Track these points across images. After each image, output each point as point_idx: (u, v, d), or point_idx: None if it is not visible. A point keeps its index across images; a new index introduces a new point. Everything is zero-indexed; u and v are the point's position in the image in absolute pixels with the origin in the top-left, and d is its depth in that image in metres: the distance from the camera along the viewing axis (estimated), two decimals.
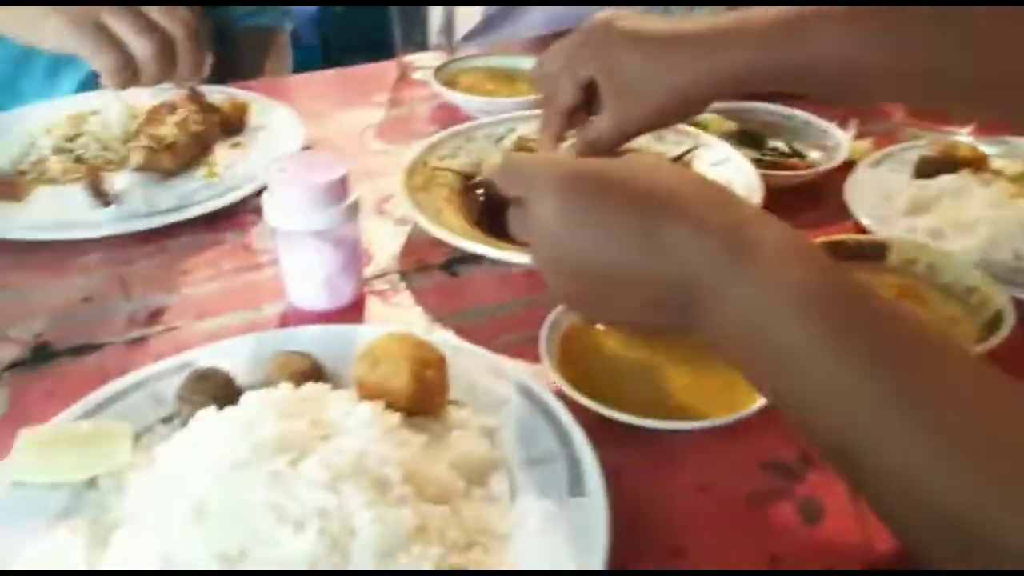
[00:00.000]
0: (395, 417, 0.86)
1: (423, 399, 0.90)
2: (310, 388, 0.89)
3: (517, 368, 0.98)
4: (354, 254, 1.13)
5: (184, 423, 0.91)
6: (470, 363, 0.98)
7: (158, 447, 0.85)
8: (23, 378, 1.05)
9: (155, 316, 1.15)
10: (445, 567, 0.74)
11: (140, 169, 1.38)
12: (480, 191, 1.33)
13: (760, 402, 0.90)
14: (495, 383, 0.96)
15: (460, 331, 1.10)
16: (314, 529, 0.72)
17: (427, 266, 1.24)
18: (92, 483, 0.86)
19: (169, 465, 0.82)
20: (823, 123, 1.45)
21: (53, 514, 0.83)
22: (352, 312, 1.14)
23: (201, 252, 1.28)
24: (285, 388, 0.87)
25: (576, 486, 0.83)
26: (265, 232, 1.30)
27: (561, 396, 0.93)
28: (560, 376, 0.94)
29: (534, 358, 1.00)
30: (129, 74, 1.17)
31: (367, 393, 0.89)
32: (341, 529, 0.73)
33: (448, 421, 0.91)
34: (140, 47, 1.14)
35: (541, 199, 0.74)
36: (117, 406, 0.95)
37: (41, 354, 1.09)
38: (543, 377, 0.96)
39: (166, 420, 0.94)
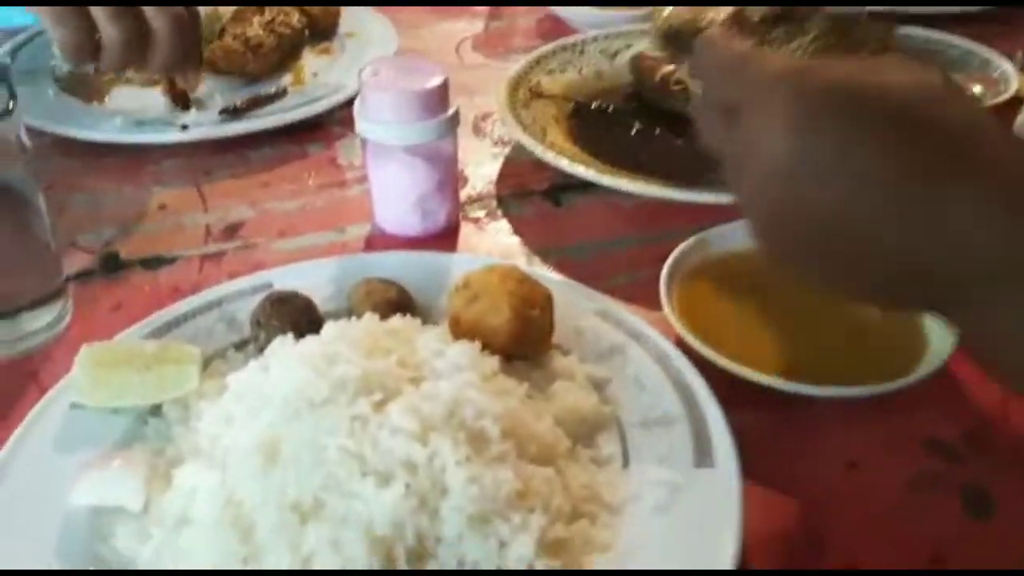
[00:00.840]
0: (493, 361, 0.74)
1: (525, 342, 0.79)
2: (398, 321, 0.78)
3: (629, 313, 0.85)
4: (450, 174, 1.01)
5: (259, 351, 0.81)
6: (576, 304, 0.86)
7: (230, 376, 0.76)
8: (90, 289, 0.97)
9: (232, 231, 1.06)
10: (549, 540, 0.63)
11: (222, 72, 1.28)
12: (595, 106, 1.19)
13: (923, 370, 0.75)
14: (605, 328, 0.84)
15: (563, 267, 0.98)
16: (400, 484, 0.62)
17: (528, 192, 1.11)
18: (156, 410, 0.78)
19: (240, 397, 0.72)
20: (988, 52, 1.26)
21: (112, 442, 0.74)
22: (444, 240, 1.03)
23: (284, 165, 1.18)
24: (370, 320, 0.77)
25: (702, 455, 0.71)
26: (353, 146, 1.19)
27: (683, 348, 0.80)
28: (683, 326, 0.81)
29: (648, 303, 0.87)
30: (87, 54, 1.06)
31: (462, 331, 0.78)
32: (431, 487, 0.63)
33: (551, 369, 0.80)
34: (111, 30, 1.03)
35: (770, 116, 0.52)
36: (187, 326, 0.86)
37: (110, 264, 1.01)
38: (660, 325, 0.83)
39: (239, 346, 0.85)
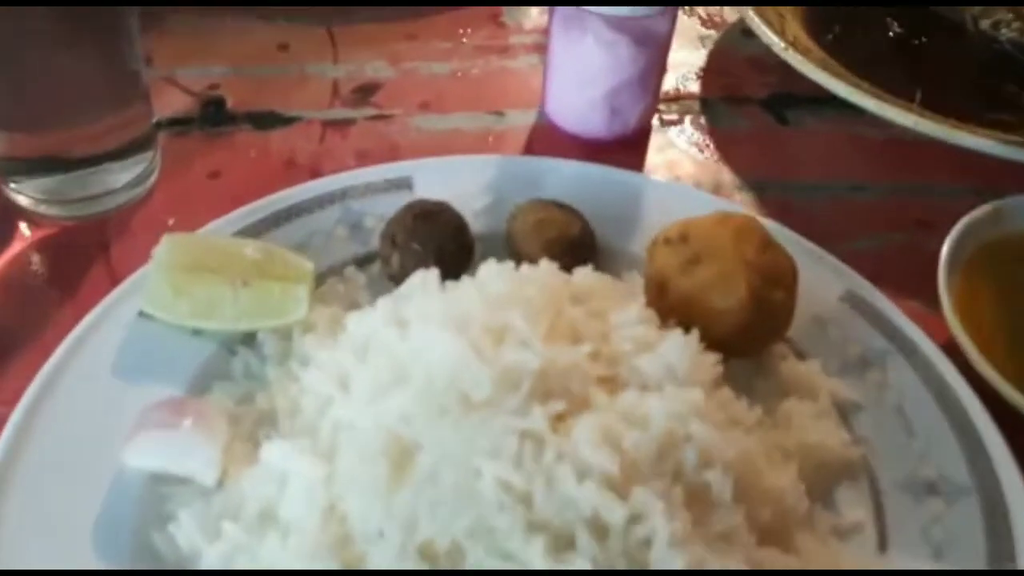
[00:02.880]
0: (716, 364, 0.52)
1: (758, 336, 0.56)
2: (587, 278, 0.56)
3: (889, 303, 0.62)
4: (658, 63, 0.76)
5: (390, 277, 0.61)
6: (815, 280, 0.62)
7: (351, 316, 0.56)
8: (185, 144, 0.77)
9: (365, 93, 0.83)
10: None
11: None
12: None
13: None
14: (856, 324, 0.61)
15: (785, 212, 0.73)
16: (584, 557, 0.42)
17: (742, 99, 0.86)
18: (248, 339, 0.59)
19: (364, 354, 0.52)
20: None
21: (187, 377, 0.56)
22: (629, 148, 0.79)
23: (437, 13, 0.93)
24: (549, 271, 0.55)
25: (999, 542, 0.49)
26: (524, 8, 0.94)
27: (960, 365, 0.57)
28: (974, 347, 0.57)
29: (906, 285, 0.64)
30: None
31: (668, 303, 0.56)
32: (626, 566, 0.42)
33: (780, 376, 0.58)
34: None
35: None
36: (300, 223, 0.66)
37: (213, 114, 0.80)
38: (925, 323, 0.60)
39: (362, 262, 0.64)
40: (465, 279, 0.55)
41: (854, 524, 0.51)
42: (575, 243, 0.61)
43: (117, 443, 0.51)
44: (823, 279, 0.63)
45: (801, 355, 0.59)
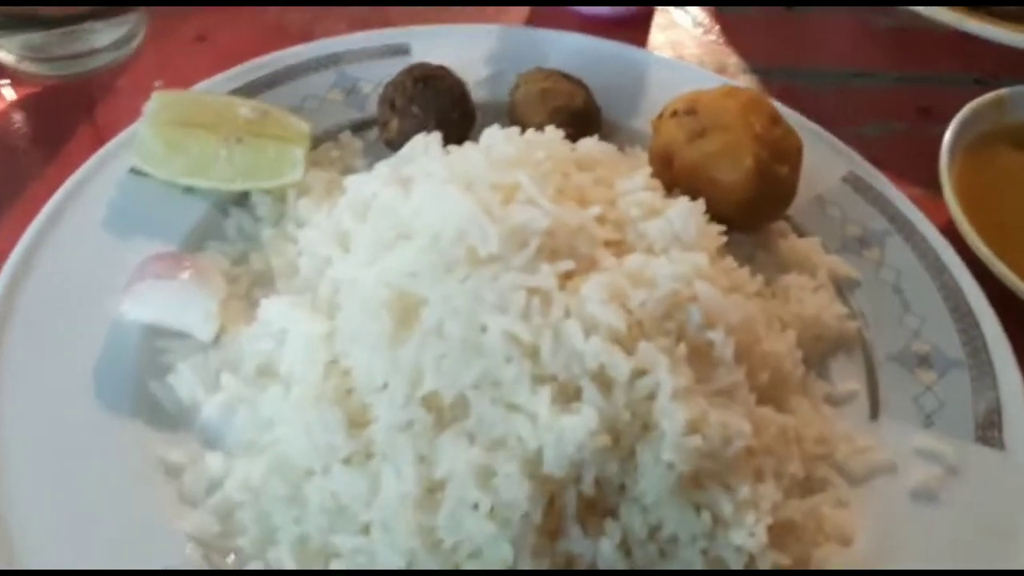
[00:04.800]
0: (719, 234, 0.52)
1: (762, 209, 0.56)
2: (592, 146, 0.55)
3: (888, 186, 0.62)
4: None
5: (387, 143, 0.59)
6: (817, 160, 0.61)
7: (350, 178, 0.54)
8: (167, 8, 0.73)
9: None
10: (778, 523, 0.44)
11: None
12: None
13: None
14: (855, 203, 0.61)
15: (791, 96, 0.72)
16: (590, 409, 0.42)
17: None
18: (242, 199, 0.57)
19: (363, 214, 0.51)
20: None
21: (181, 233, 0.55)
22: (631, 28, 0.76)
23: None
24: (555, 138, 0.54)
25: (988, 426, 0.50)
26: None
27: (959, 246, 0.58)
28: (972, 228, 0.58)
29: (908, 170, 0.65)
30: None
31: (674, 175, 0.55)
32: (631, 419, 0.43)
33: (780, 251, 0.58)
34: None
35: None
36: (293, 86, 0.64)
37: None
38: (925, 206, 0.60)
39: (358, 128, 0.63)
40: (468, 144, 0.54)
41: (848, 393, 0.52)
42: (580, 113, 0.60)
43: (112, 295, 0.50)
44: (826, 160, 0.63)
45: (801, 232, 0.59)
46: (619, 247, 0.48)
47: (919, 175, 0.64)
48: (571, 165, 0.51)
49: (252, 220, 0.57)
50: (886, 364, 0.53)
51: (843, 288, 0.56)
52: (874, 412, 0.51)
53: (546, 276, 0.44)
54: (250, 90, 0.62)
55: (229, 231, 0.56)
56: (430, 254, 0.45)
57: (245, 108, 0.58)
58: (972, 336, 0.54)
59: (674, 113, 0.57)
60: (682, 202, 0.51)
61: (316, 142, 0.61)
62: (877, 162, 0.64)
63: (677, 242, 0.49)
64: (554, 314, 0.44)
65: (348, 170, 0.60)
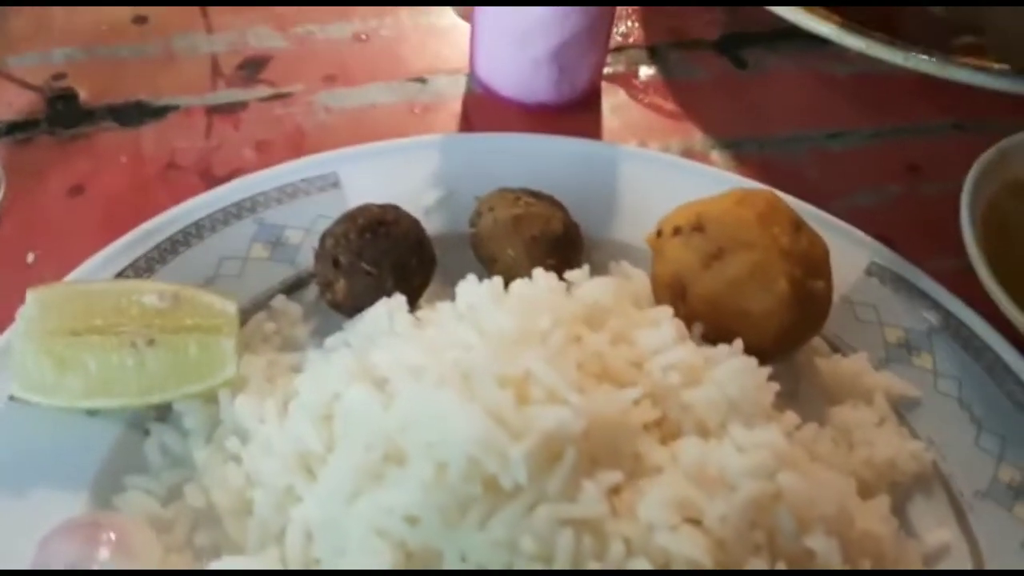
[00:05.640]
0: (772, 382, 0.42)
1: (801, 334, 0.47)
2: (592, 290, 0.45)
3: (917, 273, 0.54)
4: (608, 10, 0.65)
5: (336, 305, 0.48)
6: (832, 253, 0.53)
7: (301, 377, 0.43)
8: (33, 152, 0.61)
9: (254, 68, 0.68)
10: None
11: None
12: None
13: None
14: (886, 298, 0.53)
15: (766, 170, 0.66)
16: None
17: (693, 43, 0.75)
18: (163, 413, 0.45)
19: (325, 425, 0.40)
20: None
21: (87, 481, 0.42)
22: (580, 111, 0.67)
23: None
24: (548, 285, 0.43)
25: None
26: None
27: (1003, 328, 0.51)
28: (1011, 302, 0.50)
29: (918, 239, 0.58)
30: None
31: (692, 308, 0.46)
32: None
33: (820, 376, 0.49)
34: None
35: None
36: (203, 249, 0.52)
37: (64, 112, 0.64)
38: (955, 281, 0.53)
39: (292, 288, 0.51)
40: (442, 306, 0.44)
41: (940, 547, 0.44)
42: (561, 240, 0.50)
43: None
44: (842, 252, 0.54)
45: (836, 347, 0.50)
46: (661, 429, 0.39)
47: (932, 246, 0.57)
48: (580, 325, 0.41)
49: (179, 436, 0.44)
50: (976, 504, 0.45)
51: (903, 412, 0.48)
52: (976, 559, 0.43)
53: (593, 500, 0.34)
54: (150, 263, 0.50)
55: (151, 457, 0.44)
56: (437, 493, 0.34)
57: (150, 295, 0.46)
58: None
59: (676, 231, 0.48)
60: (725, 356, 0.41)
61: (244, 315, 0.49)
62: (886, 239, 0.57)
63: (735, 412, 0.39)
64: (613, 552, 0.33)
65: (288, 345, 0.49)
